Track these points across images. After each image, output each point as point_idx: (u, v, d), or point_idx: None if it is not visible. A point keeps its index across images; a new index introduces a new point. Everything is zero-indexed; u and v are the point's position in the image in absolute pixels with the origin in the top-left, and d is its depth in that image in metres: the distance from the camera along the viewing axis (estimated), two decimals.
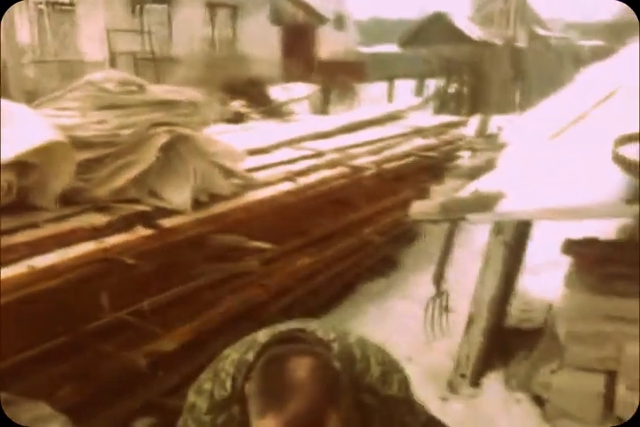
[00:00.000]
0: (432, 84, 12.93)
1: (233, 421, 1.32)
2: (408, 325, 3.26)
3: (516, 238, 2.82)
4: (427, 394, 2.74)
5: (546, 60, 16.18)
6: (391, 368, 1.39)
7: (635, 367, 2.21)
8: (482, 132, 6.25)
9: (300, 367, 1.16)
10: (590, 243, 2.57)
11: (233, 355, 1.36)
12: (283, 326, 1.39)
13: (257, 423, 1.15)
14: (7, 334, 2.18)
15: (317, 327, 1.37)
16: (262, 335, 1.36)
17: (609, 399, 2.29)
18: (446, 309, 3.31)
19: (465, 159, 5.22)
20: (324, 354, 1.25)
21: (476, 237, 4.09)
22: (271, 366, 1.18)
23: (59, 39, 14.81)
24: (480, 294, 2.78)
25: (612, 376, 2.31)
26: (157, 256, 2.62)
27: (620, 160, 2.04)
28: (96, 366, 2.53)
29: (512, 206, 2.32)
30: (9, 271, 2.05)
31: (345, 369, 1.27)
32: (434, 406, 2.68)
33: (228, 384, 1.32)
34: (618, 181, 2.14)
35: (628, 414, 2.24)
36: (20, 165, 2.39)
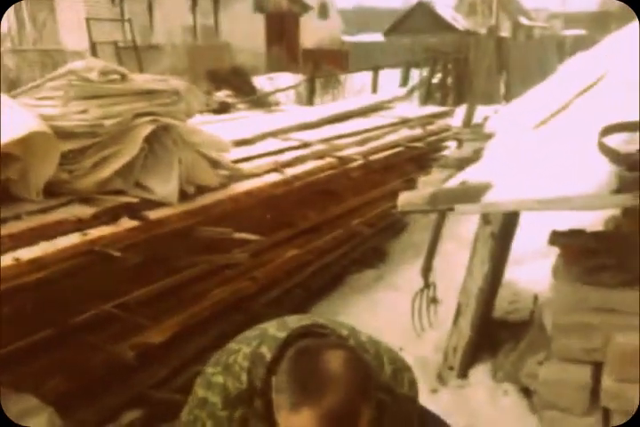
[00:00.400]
0: (416, 75, 12.89)
1: (252, 415, 1.30)
2: (398, 316, 3.27)
3: (503, 229, 2.83)
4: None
5: (530, 50, 16.20)
6: (401, 367, 1.39)
7: (621, 359, 2.23)
8: (468, 122, 6.27)
9: (334, 360, 1.14)
10: (577, 234, 2.58)
11: (244, 349, 1.34)
12: (290, 321, 1.37)
13: (288, 417, 1.13)
14: None
15: (330, 324, 1.35)
16: (274, 329, 1.34)
17: (595, 390, 2.31)
18: (434, 300, 3.32)
19: (451, 150, 5.22)
20: (354, 347, 1.24)
21: (464, 229, 4.10)
22: (302, 359, 1.17)
23: (37, 28, 14.59)
24: (468, 285, 2.78)
25: (598, 367, 2.33)
26: (144, 248, 2.59)
27: (605, 150, 2.04)
28: (83, 358, 2.51)
29: (499, 197, 2.31)
30: None
31: None
32: (424, 398, 2.70)
33: (244, 378, 1.30)
34: (604, 171, 2.15)
35: (613, 405, 2.27)
36: (3, 156, 2.35)
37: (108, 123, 2.59)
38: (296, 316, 1.47)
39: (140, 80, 2.89)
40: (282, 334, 1.29)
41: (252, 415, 1.31)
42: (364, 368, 1.18)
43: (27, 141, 2.35)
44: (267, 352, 1.28)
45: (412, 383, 1.40)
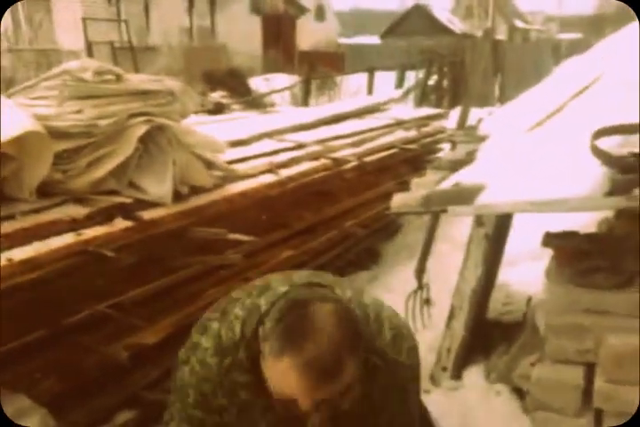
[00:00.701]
0: (412, 77, 12.92)
1: (238, 365, 1.30)
2: None
3: (497, 231, 2.84)
4: None
5: (526, 53, 16.25)
6: (403, 334, 1.38)
7: (613, 360, 2.24)
8: (462, 124, 6.28)
9: (322, 311, 1.15)
10: (570, 236, 2.59)
11: (245, 299, 1.34)
12: (297, 277, 1.38)
13: (271, 365, 1.14)
14: None
15: (334, 283, 1.36)
16: (278, 283, 1.35)
17: (588, 391, 2.32)
18: (427, 301, 3.32)
19: (445, 152, 5.23)
20: (345, 301, 1.25)
21: (458, 230, 4.11)
22: (292, 309, 1.17)
23: (34, 28, 14.56)
24: (462, 286, 2.79)
25: (590, 369, 2.34)
26: (138, 249, 2.59)
27: (598, 153, 2.05)
28: (77, 359, 2.51)
29: (493, 199, 2.32)
30: None
31: None
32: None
33: (237, 328, 1.31)
34: (597, 173, 2.16)
35: (605, 407, 2.27)
36: None
37: (102, 123, 2.59)
38: (306, 272, 1.49)
39: (135, 80, 2.89)
40: (283, 288, 1.29)
41: (237, 367, 1.30)
42: (353, 324, 1.18)
43: (21, 141, 2.35)
44: (263, 304, 1.28)
45: (412, 351, 1.39)
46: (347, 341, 1.15)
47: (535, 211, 2.31)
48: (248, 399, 1.33)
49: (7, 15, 13.97)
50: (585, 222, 3.16)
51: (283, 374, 1.13)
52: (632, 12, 3.15)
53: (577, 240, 2.56)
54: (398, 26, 32.57)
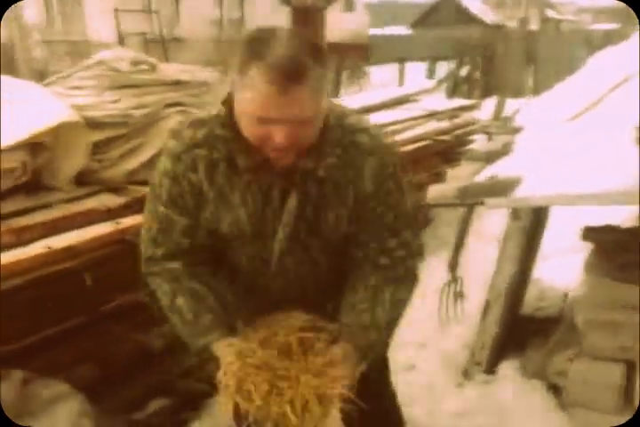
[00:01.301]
0: (444, 67, 12.78)
1: (216, 124, 1.34)
2: (422, 310, 3.24)
3: (533, 224, 2.79)
4: (442, 380, 2.74)
5: (558, 43, 15.96)
6: (380, 133, 1.44)
7: None
8: (498, 115, 6.17)
9: (286, 32, 1.21)
10: (610, 230, 2.54)
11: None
12: None
13: (240, 85, 1.18)
14: (25, 314, 2.18)
15: None
16: None
17: (628, 390, 2.27)
18: (460, 295, 3.28)
19: (479, 143, 5.16)
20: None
21: (490, 224, 4.06)
22: (257, 33, 1.23)
23: (66, 19, 14.72)
24: (497, 281, 2.74)
25: (631, 366, 2.29)
26: None
27: None
28: (112, 346, 2.53)
29: (530, 192, 2.28)
30: (27, 251, 2.05)
31: None
32: (450, 392, 2.68)
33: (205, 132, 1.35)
34: (636, 166, 2.11)
35: None
36: (35, 145, 2.37)
37: (137, 113, 2.60)
38: None
39: (170, 70, 2.90)
40: None
41: (216, 125, 1.33)
42: (317, 48, 1.19)
43: (58, 131, 2.37)
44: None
45: (392, 147, 1.44)
46: (309, 48, 1.17)
47: (575, 204, 2.27)
48: (225, 172, 1.33)
49: (41, 7, 14.15)
50: (625, 216, 3.10)
51: (252, 89, 1.14)
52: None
53: (617, 234, 2.51)
54: (429, 16, 32.20)
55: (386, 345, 1.49)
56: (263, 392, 1.21)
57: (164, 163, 1.37)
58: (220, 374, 1.30)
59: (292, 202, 1.32)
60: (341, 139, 1.34)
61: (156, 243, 1.42)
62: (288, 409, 1.20)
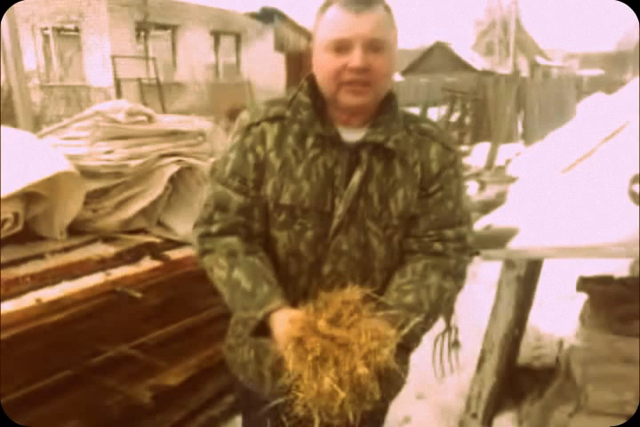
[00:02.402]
0: (434, 113, 12.99)
1: (301, 92, 1.41)
2: (418, 360, 3.19)
3: (528, 273, 2.78)
4: None
5: (548, 89, 16.29)
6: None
7: None
8: (490, 163, 6.23)
9: None
10: (605, 281, 2.53)
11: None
12: None
13: (320, 25, 1.32)
14: (14, 367, 2.13)
15: None
16: None
17: None
18: (456, 344, 3.24)
19: (472, 191, 5.19)
20: None
21: (486, 270, 4.05)
22: None
23: (64, 65, 14.96)
24: (492, 330, 2.72)
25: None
26: (164, 289, 2.58)
27: (636, 198, 2.02)
28: (101, 399, 2.47)
29: (526, 243, 2.28)
30: (16, 304, 2.02)
31: None
32: None
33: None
34: (632, 218, 2.12)
35: None
36: (28, 196, 2.37)
37: (133, 163, 2.62)
38: None
39: (166, 121, 2.94)
40: None
41: (301, 94, 1.39)
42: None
43: (53, 181, 2.37)
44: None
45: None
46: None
47: (570, 257, 2.26)
48: (292, 146, 1.37)
49: (39, 52, 14.40)
50: (616, 266, 3.09)
51: (329, 19, 1.29)
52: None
53: (612, 285, 2.50)
54: (420, 62, 32.97)
55: (422, 331, 1.44)
56: (324, 362, 1.20)
57: (235, 137, 1.42)
58: (280, 349, 1.27)
59: (356, 179, 1.34)
60: (407, 124, 1.41)
61: (212, 220, 1.43)
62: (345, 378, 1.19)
